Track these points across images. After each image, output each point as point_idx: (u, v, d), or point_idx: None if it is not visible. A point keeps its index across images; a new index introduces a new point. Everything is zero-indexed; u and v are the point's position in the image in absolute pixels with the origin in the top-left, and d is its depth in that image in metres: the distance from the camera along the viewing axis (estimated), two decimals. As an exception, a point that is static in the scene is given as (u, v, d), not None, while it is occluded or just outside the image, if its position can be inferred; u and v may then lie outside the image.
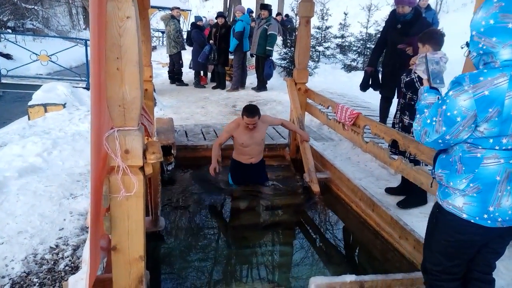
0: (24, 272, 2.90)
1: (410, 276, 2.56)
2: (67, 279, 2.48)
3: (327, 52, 12.34)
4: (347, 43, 12.65)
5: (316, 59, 11.90)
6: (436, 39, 3.41)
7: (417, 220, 3.47)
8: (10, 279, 2.83)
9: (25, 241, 3.21)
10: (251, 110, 4.02)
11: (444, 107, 1.73)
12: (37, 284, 2.80)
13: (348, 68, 11.57)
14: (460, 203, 1.80)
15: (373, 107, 7.01)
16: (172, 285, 2.73)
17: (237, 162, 4.33)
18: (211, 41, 9.24)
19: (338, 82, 10.19)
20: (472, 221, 1.77)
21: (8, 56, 14.60)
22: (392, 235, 3.27)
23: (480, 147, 1.74)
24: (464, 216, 1.79)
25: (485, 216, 1.76)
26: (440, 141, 1.78)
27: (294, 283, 2.89)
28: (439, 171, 1.90)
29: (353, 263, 3.22)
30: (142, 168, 1.95)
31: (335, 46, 12.82)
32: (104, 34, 1.70)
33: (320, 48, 12.26)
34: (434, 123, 1.77)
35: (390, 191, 4.06)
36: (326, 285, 2.40)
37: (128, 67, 1.75)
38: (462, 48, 2.14)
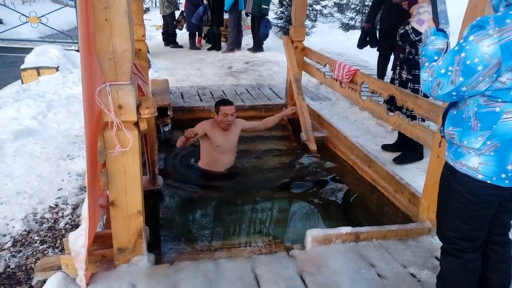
0: (25, 230, 2.95)
1: (405, 227, 2.62)
2: (68, 236, 2.52)
3: (325, 11, 12.03)
4: (345, 1, 12.31)
5: (313, 18, 11.61)
6: None
7: (412, 175, 3.50)
8: (11, 237, 2.88)
9: (24, 201, 3.24)
10: (227, 100, 3.71)
11: (462, 54, 1.51)
12: (38, 242, 2.85)
13: (346, 27, 11.32)
14: (475, 164, 1.63)
15: (370, 65, 6.90)
16: (172, 240, 2.78)
17: (206, 172, 3.71)
18: (205, 1, 8.96)
19: (335, 41, 10.00)
20: (489, 181, 1.63)
21: (-1, 21, 14.17)
22: (387, 189, 3.31)
23: (499, 100, 1.56)
24: (480, 177, 1.63)
25: (503, 175, 1.61)
26: (454, 93, 1.58)
27: (292, 236, 2.96)
28: (449, 128, 1.71)
29: (350, 217, 3.27)
30: (136, 124, 1.93)
31: (333, 4, 12.47)
32: (90, -18, 1.63)
33: (318, 7, 11.92)
34: (449, 73, 1.55)
35: (386, 147, 4.09)
36: (322, 236, 2.45)
37: (117, 18, 1.70)
38: None
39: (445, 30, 1.75)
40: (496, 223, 1.83)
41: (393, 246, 2.50)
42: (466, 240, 1.80)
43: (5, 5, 11.36)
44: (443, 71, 1.58)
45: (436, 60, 1.64)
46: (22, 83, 7.58)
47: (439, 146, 2.10)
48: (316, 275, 2.19)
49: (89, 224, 1.96)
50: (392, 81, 3.78)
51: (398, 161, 3.78)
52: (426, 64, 1.69)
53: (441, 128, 1.81)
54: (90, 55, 1.76)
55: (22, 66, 7.64)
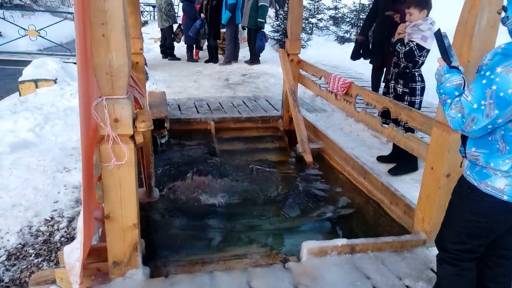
0: (20, 243, 2.94)
1: (400, 239, 2.62)
2: (63, 249, 2.51)
3: (320, 24, 12.16)
4: (340, 15, 12.46)
5: (309, 31, 11.74)
6: (430, 3, 3.42)
7: (407, 186, 3.52)
8: (6, 250, 2.87)
9: (20, 214, 3.23)
10: None
11: (494, 87, 1.51)
12: (33, 255, 2.84)
13: (341, 40, 11.45)
14: (501, 185, 1.67)
15: (365, 78, 6.97)
16: (167, 253, 2.77)
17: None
18: (202, 15, 9.05)
19: (331, 54, 10.10)
20: None
21: (-2, 34, 14.26)
22: (383, 201, 3.33)
23: None
24: (505, 198, 1.67)
25: None
26: (490, 126, 1.58)
27: (287, 248, 2.95)
28: (472, 149, 1.73)
29: (346, 228, 3.27)
30: (132, 137, 1.95)
31: (328, 18, 12.62)
32: (88, -1, 1.66)
33: (313, 20, 12.06)
34: (483, 107, 1.54)
35: (381, 159, 4.11)
36: (318, 248, 2.45)
37: (114, 33, 1.73)
38: (498, 13, 1.86)
39: (457, 66, 1.78)
40: (506, 239, 1.88)
41: (388, 258, 2.51)
42: (468, 253, 1.87)
43: (4, 19, 11.46)
44: (475, 106, 1.57)
45: (458, 96, 1.66)
46: (20, 95, 7.60)
47: (460, 166, 2.03)
48: (311, 288, 2.19)
49: (84, 237, 1.97)
50: (384, 95, 3.83)
51: (393, 172, 3.80)
52: (449, 101, 1.70)
53: (462, 148, 1.82)
54: (87, 69, 1.79)
55: (20, 79, 7.67)
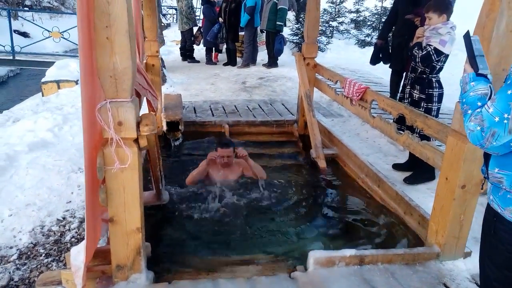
0: (31, 243, 2.99)
1: (412, 251, 2.53)
2: (70, 250, 2.53)
3: (341, 28, 12.04)
4: (361, 18, 12.29)
5: (330, 35, 11.63)
6: (451, 8, 3.31)
7: (423, 196, 3.41)
8: (17, 249, 2.91)
9: (33, 213, 3.28)
10: (224, 142, 3.74)
11: None
12: (43, 255, 2.88)
13: (362, 44, 11.29)
14: None
15: (385, 82, 6.84)
16: (173, 257, 2.75)
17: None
18: (220, 19, 9.08)
19: (351, 58, 9.97)
20: None
21: (25, 34, 14.75)
22: (397, 210, 3.23)
23: None
24: None
25: None
26: None
27: (296, 256, 2.88)
28: (495, 170, 1.55)
29: (358, 238, 3.18)
30: (136, 141, 1.94)
31: (349, 21, 12.48)
32: (92, 2, 1.66)
33: (334, 23, 11.95)
34: (506, 121, 1.38)
35: (397, 167, 4.00)
36: (325, 259, 2.38)
37: (118, 36, 1.72)
38: None
39: (486, 74, 1.60)
40: None
41: (399, 271, 2.42)
42: None
43: (32, 21, 11.82)
44: (497, 119, 1.40)
45: (480, 107, 1.50)
46: (43, 95, 7.81)
47: (482, 189, 1.81)
48: (316, 299, 2.12)
49: (87, 239, 1.96)
50: (400, 100, 3.72)
51: (408, 181, 3.69)
52: (469, 112, 1.53)
53: (484, 168, 1.63)
54: (92, 72, 1.79)
55: (43, 79, 7.88)
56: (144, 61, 4.70)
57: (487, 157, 1.60)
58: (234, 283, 2.23)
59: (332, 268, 2.38)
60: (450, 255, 2.52)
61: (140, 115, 2.01)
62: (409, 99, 3.64)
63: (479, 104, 1.51)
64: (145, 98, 3.70)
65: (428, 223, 2.68)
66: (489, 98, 1.53)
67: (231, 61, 9.43)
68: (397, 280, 2.33)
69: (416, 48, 3.47)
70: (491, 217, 1.61)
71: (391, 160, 4.22)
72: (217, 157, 3.58)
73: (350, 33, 12.08)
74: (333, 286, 2.24)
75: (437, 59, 3.37)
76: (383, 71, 7.22)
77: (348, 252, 2.42)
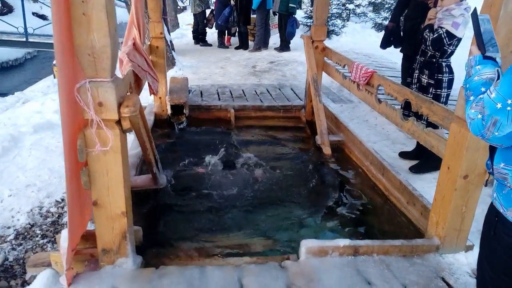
0: (29, 223, 3.00)
1: (410, 243, 2.42)
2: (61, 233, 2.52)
3: (358, 10, 11.67)
4: (380, 0, 11.89)
5: (346, 18, 11.31)
6: None
7: (429, 186, 3.27)
8: (15, 230, 2.93)
9: (32, 194, 3.29)
10: None
11: None
12: (39, 236, 2.89)
13: (379, 27, 10.92)
14: None
15: (399, 67, 6.58)
16: (166, 242, 2.72)
17: None
18: (232, 1, 8.90)
19: (366, 42, 9.67)
20: None
21: (43, 17, 14.86)
22: (400, 200, 3.11)
23: None
24: None
25: None
26: None
27: (292, 244, 2.82)
28: (500, 165, 1.39)
29: (358, 227, 3.09)
30: (119, 123, 1.88)
31: (367, 3, 12.08)
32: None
33: (351, 6, 11.60)
34: (509, 108, 1.23)
35: (404, 155, 3.87)
36: (317, 248, 2.31)
37: (95, 12, 1.64)
38: None
39: (494, 57, 1.45)
40: None
41: (395, 263, 2.32)
42: None
43: (48, 6, 11.85)
44: (499, 105, 1.24)
45: (483, 92, 1.34)
46: (54, 77, 7.85)
47: (485, 185, 1.68)
48: (305, 290, 2.06)
49: (71, 224, 1.93)
50: (409, 85, 3.56)
51: (414, 170, 3.56)
52: (471, 98, 1.38)
53: (489, 162, 1.48)
54: (70, 50, 1.72)
55: (54, 61, 7.90)
56: (148, 43, 4.64)
57: (492, 150, 1.44)
58: (222, 270, 2.18)
59: (324, 258, 2.30)
60: (450, 248, 2.41)
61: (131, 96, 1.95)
62: (417, 84, 3.48)
63: (483, 89, 1.36)
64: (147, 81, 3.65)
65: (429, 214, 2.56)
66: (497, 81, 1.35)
67: (243, 45, 9.27)
68: (392, 273, 2.23)
69: (427, 31, 3.29)
70: (493, 217, 1.47)
71: (399, 148, 4.08)
72: None
73: (367, 16, 11.71)
74: (324, 276, 2.16)
75: (449, 42, 3.19)
76: (398, 56, 6.97)
77: (342, 242, 2.33)
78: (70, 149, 1.81)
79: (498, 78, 1.38)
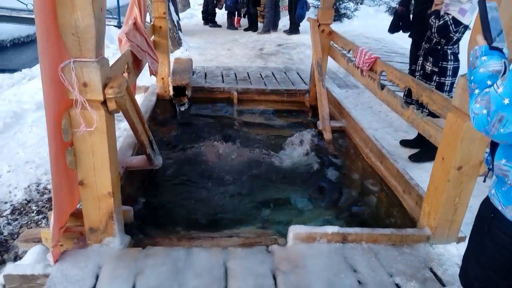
0: (25, 199, 3.05)
1: (400, 232, 2.40)
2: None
3: (372, -7, 11.40)
4: (395, -17, 11.56)
5: (359, 1, 11.04)
6: None
7: (427, 175, 3.14)
8: (11, 205, 2.98)
9: (31, 171, 3.34)
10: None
11: None
12: (35, 212, 2.93)
13: (393, 11, 10.64)
14: None
15: (408, 53, 6.44)
16: (157, 222, 2.75)
17: None
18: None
19: (379, 26, 9.42)
20: None
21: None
22: (396, 188, 3.07)
23: None
24: None
25: None
26: None
27: (282, 228, 2.81)
28: (501, 162, 1.34)
29: (352, 214, 3.08)
30: (105, 103, 1.87)
31: (383, -15, 11.76)
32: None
33: (365, -12, 11.32)
34: None
35: (405, 143, 3.81)
36: (305, 234, 2.30)
37: (78, -10, 1.61)
38: None
39: (501, 47, 1.36)
40: None
41: (384, 252, 2.30)
42: None
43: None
44: (507, 101, 1.18)
45: (490, 86, 1.28)
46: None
47: (484, 181, 1.58)
48: (289, 275, 2.05)
49: (58, 203, 1.95)
50: (413, 72, 3.47)
51: (414, 158, 3.51)
52: (476, 91, 1.32)
53: (489, 157, 1.43)
54: (55, 30, 1.70)
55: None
56: (151, 23, 4.59)
57: (494, 145, 1.39)
58: (209, 252, 2.19)
59: (312, 244, 2.29)
60: (441, 239, 2.38)
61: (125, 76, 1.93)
62: (421, 71, 3.39)
63: (489, 83, 1.29)
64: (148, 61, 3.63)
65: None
66: (504, 75, 1.28)
67: (252, 26, 9.15)
68: (379, 261, 2.22)
69: (433, 17, 3.19)
70: (488, 213, 1.43)
71: (401, 136, 4.02)
72: None
73: (381, 0, 11.42)
74: (310, 262, 2.15)
75: (455, 29, 3.08)
76: (409, 41, 6.80)
77: (330, 229, 2.31)
78: (55, 129, 1.81)
79: (505, 70, 1.31)
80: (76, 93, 1.75)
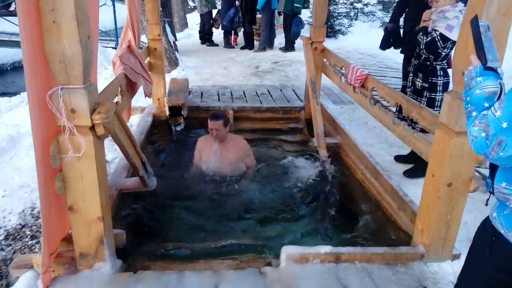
0: (20, 224, 3.04)
1: (394, 250, 2.38)
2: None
3: (366, 9, 11.55)
4: (389, -2, 11.76)
5: (354, 17, 11.19)
6: None
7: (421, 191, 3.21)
8: (5, 230, 2.97)
9: (25, 195, 3.33)
10: (214, 115, 3.60)
11: None
12: (29, 236, 2.92)
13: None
14: None
15: (403, 68, 6.50)
16: (149, 245, 2.73)
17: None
18: (237, 2, 8.86)
19: (373, 41, 9.46)
20: None
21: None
22: (391, 205, 3.06)
23: None
24: None
25: None
26: None
27: (278, 248, 2.80)
28: (502, 185, 1.32)
29: (347, 232, 3.06)
30: (93, 128, 1.88)
31: (376, 2, 11.94)
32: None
33: (359, 5, 11.48)
34: None
35: (399, 159, 3.80)
36: (298, 255, 2.28)
37: (65, 20, 1.64)
38: None
39: (495, 68, 1.34)
40: None
41: (378, 271, 2.28)
42: None
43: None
44: (505, 125, 1.16)
45: (487, 108, 1.26)
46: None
47: (486, 205, 1.53)
48: (281, 297, 2.04)
49: (46, 228, 1.94)
50: (404, 88, 3.49)
51: (408, 174, 3.50)
52: (474, 114, 1.30)
53: (489, 180, 1.40)
54: (42, 58, 1.72)
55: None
56: (146, 45, 4.65)
57: (493, 168, 1.36)
58: (200, 276, 2.17)
59: (305, 264, 2.28)
60: (436, 257, 2.36)
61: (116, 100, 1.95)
62: (412, 87, 3.41)
63: (486, 105, 1.27)
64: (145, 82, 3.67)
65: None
66: (499, 98, 1.28)
67: (248, 45, 9.25)
68: (373, 281, 2.20)
69: (421, 34, 3.23)
70: (489, 235, 1.40)
71: (395, 151, 4.01)
72: (209, 129, 3.55)
73: (375, 16, 11.57)
74: (303, 283, 2.14)
75: (442, 45, 3.12)
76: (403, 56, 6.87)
77: (323, 249, 2.30)
78: (43, 155, 1.82)
79: (501, 91, 1.30)
80: (64, 120, 1.77)
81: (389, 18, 6.37)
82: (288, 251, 2.29)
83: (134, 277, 2.14)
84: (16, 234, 2.94)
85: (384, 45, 4.72)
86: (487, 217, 1.45)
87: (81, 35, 1.69)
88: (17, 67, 12.49)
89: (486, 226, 1.43)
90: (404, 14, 4.68)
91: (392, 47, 4.72)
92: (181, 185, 3.53)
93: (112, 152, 4.00)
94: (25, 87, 1.70)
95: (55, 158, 1.83)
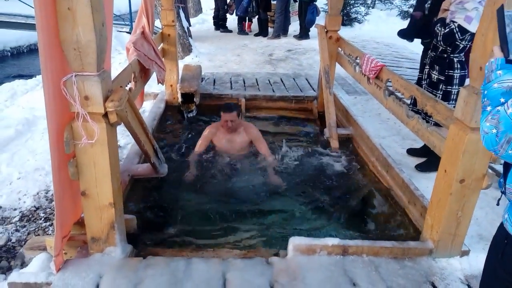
0: (34, 206, 3.11)
1: (402, 245, 2.37)
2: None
3: (384, -3, 11.32)
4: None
5: (371, 5, 10.97)
6: None
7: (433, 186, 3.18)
8: (20, 212, 3.04)
9: (40, 178, 3.41)
10: (228, 107, 3.62)
11: None
12: (42, 219, 2.99)
13: (405, 15, 10.55)
14: None
15: (419, 59, 6.37)
16: (160, 231, 2.77)
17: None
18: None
19: (390, 30, 9.31)
20: None
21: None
22: (402, 199, 3.05)
23: None
24: None
25: None
26: None
27: (286, 238, 2.81)
28: None
29: (356, 225, 3.05)
30: (106, 116, 1.90)
31: (395, -11, 11.67)
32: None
33: (376, -7, 11.25)
34: None
35: (412, 152, 3.76)
36: (305, 246, 2.29)
37: (80, 7, 1.65)
38: None
39: None
40: None
41: (385, 265, 2.28)
42: None
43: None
44: None
45: (503, 104, 1.21)
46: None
47: (497, 204, 1.51)
48: (287, 287, 2.05)
49: (60, 213, 1.98)
50: (419, 81, 3.43)
51: (420, 168, 3.46)
52: (488, 108, 1.26)
53: (501, 180, 1.37)
54: (57, 43, 1.74)
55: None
56: (160, 31, 4.65)
57: (506, 168, 1.32)
58: (208, 263, 2.20)
59: (312, 256, 2.29)
60: (444, 253, 2.35)
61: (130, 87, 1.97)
62: (427, 80, 3.35)
63: (502, 100, 1.22)
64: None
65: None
66: None
67: (262, 32, 9.17)
68: (379, 275, 2.20)
69: (438, 25, 3.15)
70: (502, 238, 1.38)
71: (408, 144, 3.98)
72: (224, 121, 3.57)
73: (393, 4, 11.32)
74: (309, 274, 2.15)
75: (461, 37, 3.05)
76: (421, 47, 6.73)
77: (331, 241, 2.31)
78: (57, 141, 1.85)
79: None
80: (78, 106, 1.79)
81: (414, 5, 6.01)
82: (295, 242, 2.31)
83: (144, 262, 2.18)
84: (30, 216, 3.02)
85: (409, 34, 4.44)
86: (502, 221, 1.42)
87: (95, 22, 1.69)
88: (33, 50, 12.61)
89: (500, 230, 1.42)
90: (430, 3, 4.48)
91: (412, 39, 4.51)
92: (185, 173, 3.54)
93: (125, 138, 4.04)
94: (40, 70, 1.72)
95: (68, 144, 1.85)
